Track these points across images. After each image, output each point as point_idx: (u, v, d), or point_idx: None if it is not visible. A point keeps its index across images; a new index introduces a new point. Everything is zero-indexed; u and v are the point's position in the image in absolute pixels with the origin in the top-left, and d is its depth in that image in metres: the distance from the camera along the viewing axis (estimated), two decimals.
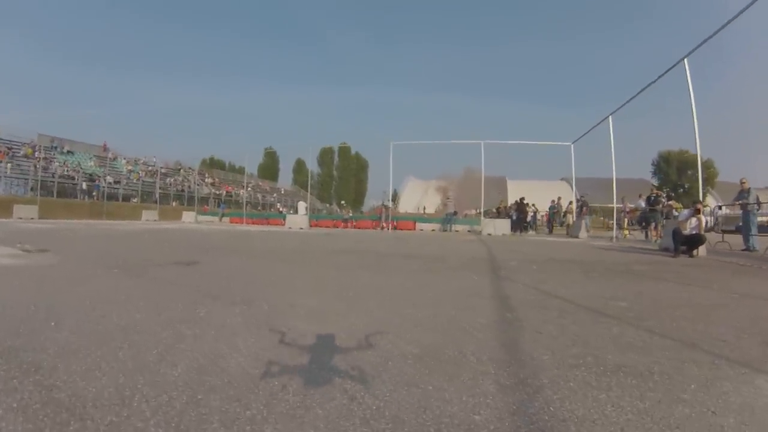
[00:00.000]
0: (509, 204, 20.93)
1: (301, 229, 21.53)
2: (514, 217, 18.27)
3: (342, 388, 1.73)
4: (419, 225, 23.45)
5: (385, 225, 22.48)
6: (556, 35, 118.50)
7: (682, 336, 2.70)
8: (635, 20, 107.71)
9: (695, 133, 9.05)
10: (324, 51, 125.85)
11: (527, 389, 1.74)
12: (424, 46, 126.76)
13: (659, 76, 10.68)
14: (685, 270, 6.42)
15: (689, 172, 37.38)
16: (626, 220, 16.58)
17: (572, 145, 18.18)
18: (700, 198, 9.21)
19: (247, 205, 47.67)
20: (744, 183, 9.65)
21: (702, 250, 8.69)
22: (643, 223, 14.67)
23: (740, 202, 9.76)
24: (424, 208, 27.93)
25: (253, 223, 28.18)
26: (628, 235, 16.08)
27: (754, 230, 9.23)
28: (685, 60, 9.40)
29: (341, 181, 72.98)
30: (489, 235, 17.57)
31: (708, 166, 38.64)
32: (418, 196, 40.67)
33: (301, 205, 24.51)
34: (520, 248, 10.18)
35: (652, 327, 2.90)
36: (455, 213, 22.36)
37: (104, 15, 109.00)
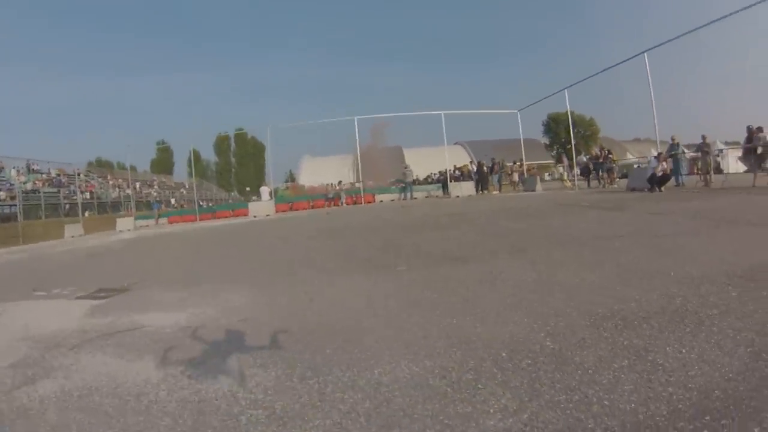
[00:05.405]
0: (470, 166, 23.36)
1: (268, 216, 20.52)
2: (476, 178, 20.94)
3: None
4: (378, 197, 23.94)
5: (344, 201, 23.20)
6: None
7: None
8: None
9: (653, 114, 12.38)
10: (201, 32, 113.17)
11: None
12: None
13: (618, 63, 14.06)
14: (684, 194, 9.58)
15: (576, 130, 44.93)
16: (565, 174, 20.42)
17: (519, 113, 21.49)
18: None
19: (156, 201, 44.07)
20: (674, 138, 13.35)
21: None
22: (586, 174, 18.42)
23: (672, 153, 13.32)
24: (332, 185, 28.49)
25: (200, 220, 26.37)
26: (569, 185, 19.72)
27: (683, 171, 13.15)
28: (645, 55, 12.56)
29: (240, 167, 73.79)
30: (457, 197, 19.61)
31: (591, 124, 46.87)
32: (319, 174, 40.97)
33: (264, 190, 23.74)
34: (515, 204, 12.11)
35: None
36: (414, 181, 24.18)
37: None
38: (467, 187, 20.48)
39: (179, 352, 2.55)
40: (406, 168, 23.67)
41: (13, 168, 32.01)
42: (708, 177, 12.20)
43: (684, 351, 1.84)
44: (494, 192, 20.12)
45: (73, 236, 24.27)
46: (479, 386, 1.70)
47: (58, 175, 35.30)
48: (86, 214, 32.54)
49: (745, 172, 12.87)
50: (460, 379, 1.77)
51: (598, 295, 2.76)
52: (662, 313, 2.34)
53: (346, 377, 1.92)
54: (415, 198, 22.38)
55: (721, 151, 16.25)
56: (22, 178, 31.23)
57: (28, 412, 1.98)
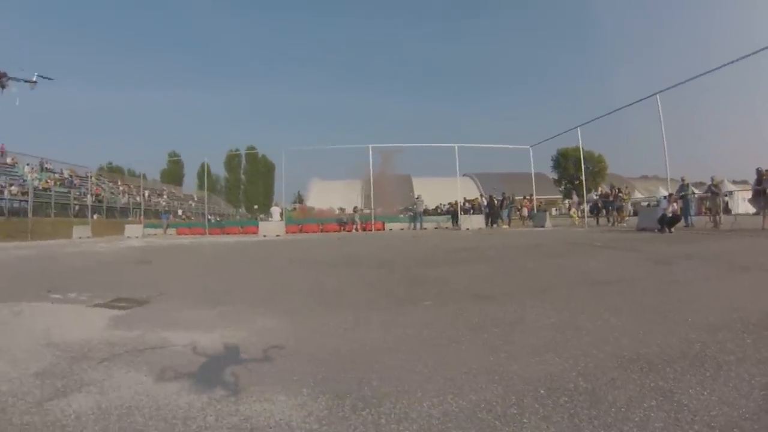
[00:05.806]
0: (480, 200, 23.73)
1: (278, 236, 20.62)
2: (486, 212, 21.22)
3: None
4: (387, 225, 24.34)
5: (359, 227, 23.44)
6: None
7: None
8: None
9: (664, 154, 12.73)
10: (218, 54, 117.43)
11: None
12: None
13: (631, 103, 14.41)
14: (695, 236, 9.72)
15: (585, 166, 45.14)
16: (574, 210, 20.71)
17: (531, 149, 21.92)
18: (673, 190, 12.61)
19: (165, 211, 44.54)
20: (684, 179, 13.63)
21: None
22: (595, 211, 18.69)
23: (682, 194, 13.55)
24: (343, 209, 29.07)
25: (209, 234, 26.63)
26: (578, 221, 19.95)
27: (692, 212, 13.34)
28: (658, 96, 12.96)
29: (250, 185, 75.53)
30: (467, 229, 20.00)
31: (599, 160, 47.26)
32: (326, 197, 41.40)
33: (276, 210, 24.09)
34: (527, 240, 12.34)
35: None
36: (424, 211, 24.45)
37: None
38: (477, 220, 20.82)
39: (218, 376, 2.51)
40: (417, 198, 23.92)
41: (27, 165, 32.62)
42: (717, 218, 12.41)
43: (706, 393, 2.00)
44: (504, 226, 20.41)
45: (80, 237, 24.60)
46: (524, 420, 1.85)
47: (70, 176, 35.84)
48: (95, 216, 32.91)
49: (755, 214, 13.08)
50: (506, 413, 1.91)
51: (621, 338, 2.92)
52: (683, 357, 2.50)
53: (397, 409, 2.00)
54: (425, 228, 22.51)
55: (730, 192, 16.49)
56: (35, 175, 31.78)
57: (65, 429, 1.89)
